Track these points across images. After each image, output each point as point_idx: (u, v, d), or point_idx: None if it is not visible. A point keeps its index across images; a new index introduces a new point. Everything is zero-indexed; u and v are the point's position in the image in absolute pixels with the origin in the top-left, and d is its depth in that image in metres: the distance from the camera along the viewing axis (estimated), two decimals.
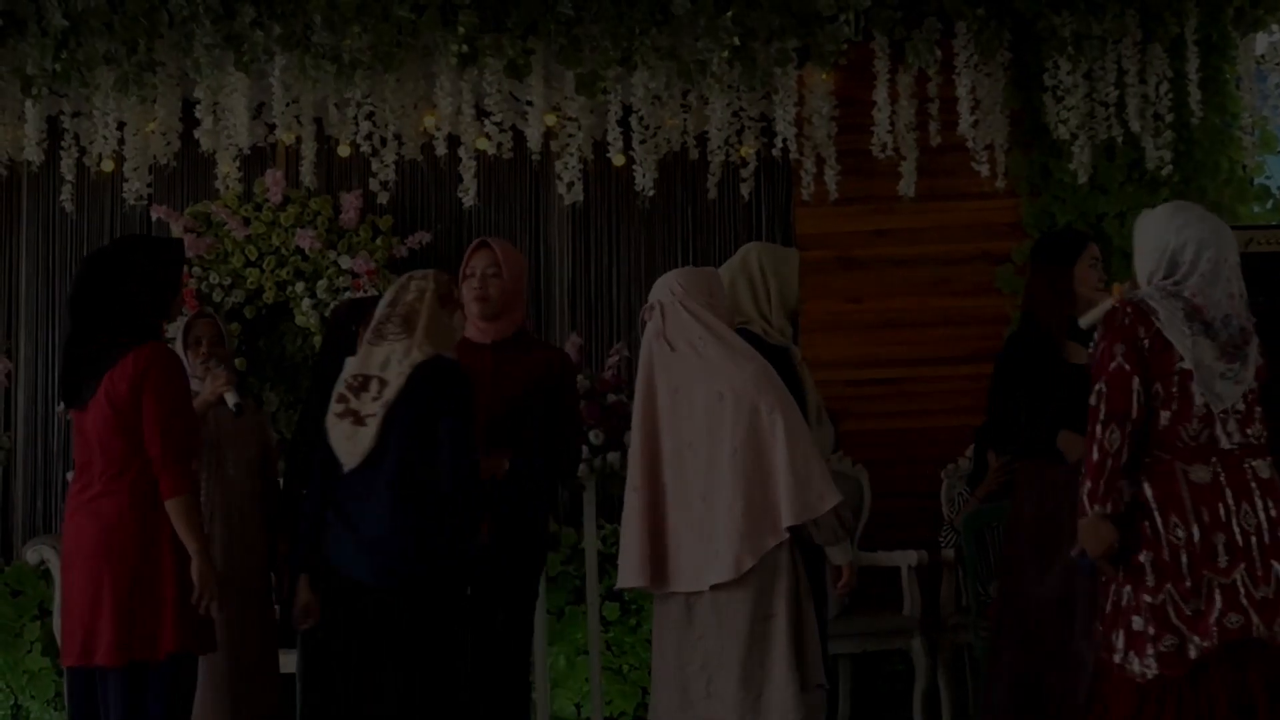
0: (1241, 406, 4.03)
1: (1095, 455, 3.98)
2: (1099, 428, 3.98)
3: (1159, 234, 4.12)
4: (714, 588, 4.33)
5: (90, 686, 4.48)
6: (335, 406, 4.57)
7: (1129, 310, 4.03)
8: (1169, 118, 6.29)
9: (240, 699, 5.30)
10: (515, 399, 4.88)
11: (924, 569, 6.31)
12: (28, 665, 6.55)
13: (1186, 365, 3.97)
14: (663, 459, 4.46)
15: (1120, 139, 6.40)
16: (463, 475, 4.50)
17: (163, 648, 4.41)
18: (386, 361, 4.55)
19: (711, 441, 4.38)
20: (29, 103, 6.24)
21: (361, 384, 4.56)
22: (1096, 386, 3.99)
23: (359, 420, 4.51)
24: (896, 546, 6.35)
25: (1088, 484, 4.00)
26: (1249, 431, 4.04)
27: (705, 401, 4.40)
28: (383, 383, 4.53)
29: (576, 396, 5.15)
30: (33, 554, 6.59)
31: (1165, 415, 3.99)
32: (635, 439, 4.52)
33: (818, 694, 4.36)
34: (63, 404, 4.60)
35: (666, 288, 4.57)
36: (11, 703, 6.61)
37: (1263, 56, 6.50)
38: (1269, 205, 7.14)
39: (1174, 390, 3.98)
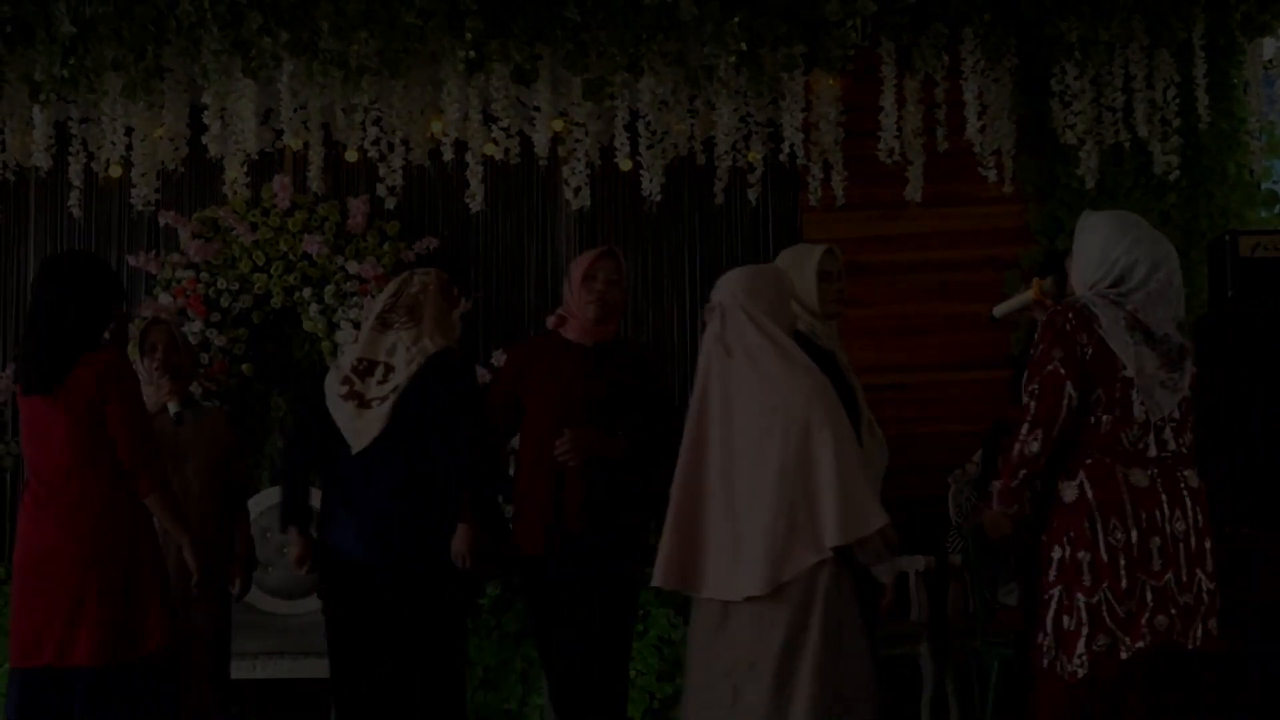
0: (1177, 415, 4.10)
1: (1014, 456, 4.08)
2: (1025, 428, 4.08)
3: (1107, 244, 4.16)
4: (752, 599, 4.30)
5: (44, 688, 4.48)
6: (339, 388, 4.63)
7: (1071, 315, 4.07)
8: (1176, 123, 6.28)
9: (189, 694, 5.35)
10: (611, 400, 5.00)
11: (931, 575, 6.30)
12: None
13: (1128, 373, 4.02)
14: (710, 465, 4.42)
15: (1127, 144, 6.40)
16: (465, 466, 4.55)
17: (150, 645, 4.47)
18: (394, 348, 4.63)
19: (759, 454, 4.32)
20: (37, 109, 6.25)
21: (367, 368, 4.63)
22: (1031, 387, 4.06)
23: (364, 403, 4.57)
24: (904, 552, 6.33)
25: (998, 483, 4.12)
26: (1182, 440, 4.10)
27: (757, 413, 4.34)
28: (389, 368, 4.60)
29: (668, 387, 5.26)
30: None
31: (1107, 420, 4.06)
32: (685, 440, 4.48)
33: (863, 708, 4.32)
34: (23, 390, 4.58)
35: (729, 289, 4.50)
36: None
37: (1270, 61, 6.49)
38: (1276, 210, 7.13)
39: (1116, 396, 4.04)
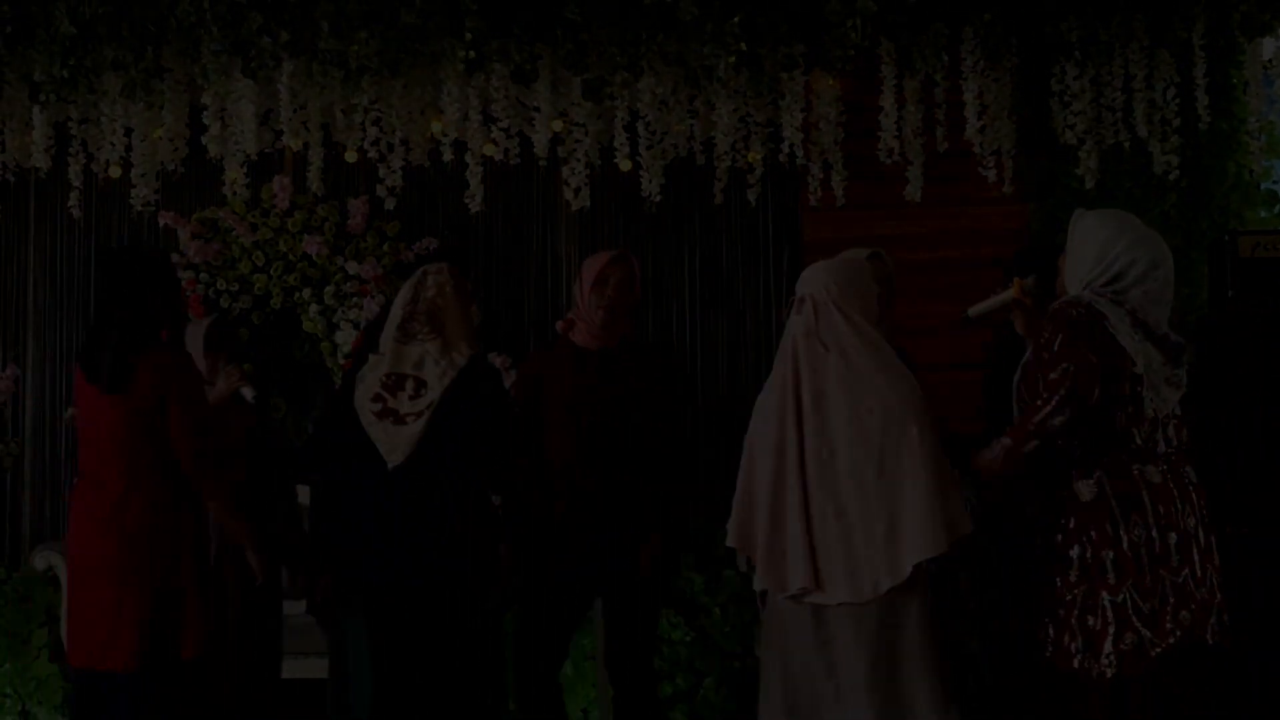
0: (1178, 411, 4.11)
1: (1034, 422, 4.05)
2: (1056, 399, 4.04)
3: (1106, 243, 4.17)
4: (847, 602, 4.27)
5: (94, 688, 4.51)
6: (372, 405, 4.62)
7: (1080, 310, 4.07)
8: (1176, 123, 6.27)
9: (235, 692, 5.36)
10: (620, 405, 5.01)
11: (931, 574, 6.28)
12: (35, 671, 6.55)
13: (1138, 369, 4.03)
14: (806, 466, 4.33)
15: (1127, 144, 6.39)
16: (502, 476, 4.58)
17: (187, 650, 4.47)
18: (421, 361, 4.62)
19: (854, 455, 4.27)
20: (36, 109, 6.25)
21: (397, 382, 4.61)
22: (1063, 365, 4.02)
23: (399, 419, 4.56)
24: None
25: (1005, 440, 4.15)
26: (1182, 436, 4.12)
27: (851, 412, 4.28)
28: (420, 382, 4.59)
29: (678, 393, 5.25)
30: (40, 560, 6.60)
31: (1120, 416, 4.06)
32: (770, 440, 4.39)
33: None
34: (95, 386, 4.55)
35: (820, 284, 4.42)
36: (19, 709, 6.62)
37: (1269, 61, 6.49)
38: (1276, 210, 7.13)
39: (1127, 392, 4.05)
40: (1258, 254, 5.83)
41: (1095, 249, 4.17)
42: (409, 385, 4.62)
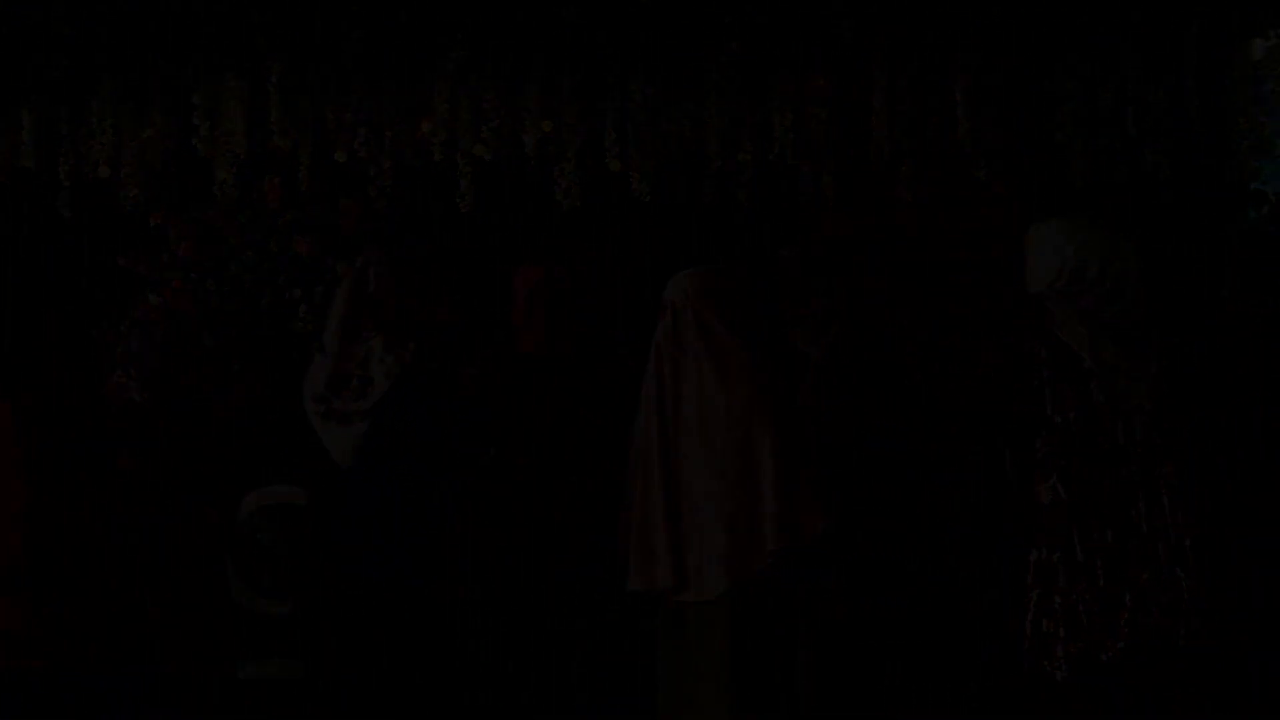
0: (1147, 405, 4.11)
1: None
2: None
3: (1059, 245, 4.23)
4: (709, 601, 4.34)
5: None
6: (316, 406, 4.60)
7: (1029, 312, 4.13)
8: (1167, 122, 6.28)
9: None
10: (568, 413, 5.08)
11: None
12: None
13: (1089, 364, 4.06)
14: (665, 466, 4.45)
15: (1119, 144, 6.39)
16: (452, 480, 4.56)
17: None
18: (366, 359, 4.59)
19: (705, 455, 4.38)
20: (25, 110, 6.22)
21: (341, 382, 4.59)
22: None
23: (343, 420, 4.55)
24: None
25: None
26: (1157, 432, 4.13)
27: (702, 414, 4.40)
28: (365, 381, 4.57)
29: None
30: None
31: (1074, 416, 4.07)
32: (639, 442, 4.54)
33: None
34: None
35: (680, 289, 4.55)
36: None
37: (1259, 62, 6.50)
38: (1264, 210, 7.15)
39: (1079, 391, 4.06)
40: (1254, 254, 5.85)
41: (1048, 255, 4.26)
42: (353, 385, 4.62)
